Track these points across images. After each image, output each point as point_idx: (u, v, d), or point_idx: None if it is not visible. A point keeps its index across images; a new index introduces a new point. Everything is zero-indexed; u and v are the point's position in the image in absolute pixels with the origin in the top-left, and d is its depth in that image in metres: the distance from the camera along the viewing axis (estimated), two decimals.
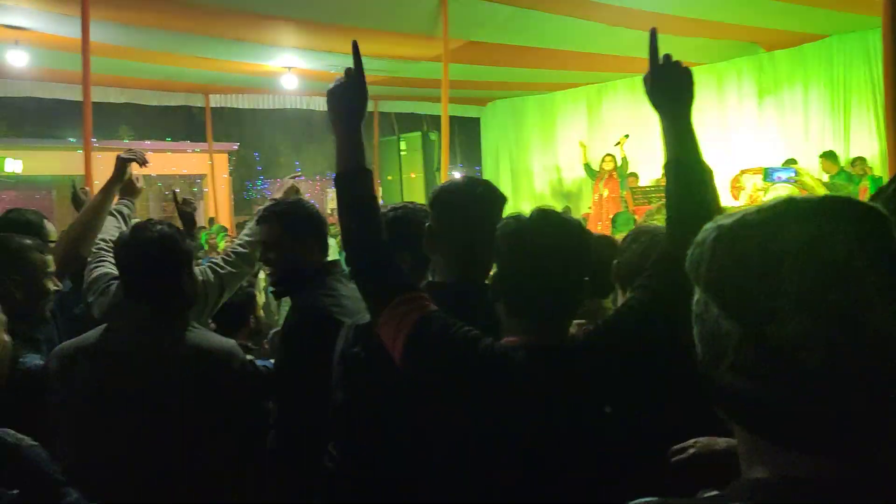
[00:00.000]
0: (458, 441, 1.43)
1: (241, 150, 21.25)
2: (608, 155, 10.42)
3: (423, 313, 1.41)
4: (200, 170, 15.90)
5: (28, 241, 2.26)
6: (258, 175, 25.40)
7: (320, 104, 12.12)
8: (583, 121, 12.37)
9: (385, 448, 1.63)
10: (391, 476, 1.62)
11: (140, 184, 3.08)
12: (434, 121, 15.37)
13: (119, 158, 2.89)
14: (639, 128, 11.43)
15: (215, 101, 11.79)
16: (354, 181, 1.60)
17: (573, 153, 12.45)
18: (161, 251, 2.01)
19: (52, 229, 2.87)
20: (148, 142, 18.68)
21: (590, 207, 10.84)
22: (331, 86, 1.63)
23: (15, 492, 0.97)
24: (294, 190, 2.98)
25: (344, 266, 2.46)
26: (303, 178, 26.66)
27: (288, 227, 2.40)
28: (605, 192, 10.22)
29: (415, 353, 1.40)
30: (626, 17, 7.45)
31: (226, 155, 18.29)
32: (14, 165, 11.16)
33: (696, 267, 0.73)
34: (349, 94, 1.62)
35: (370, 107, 9.80)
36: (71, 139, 15.69)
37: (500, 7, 7.20)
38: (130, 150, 2.99)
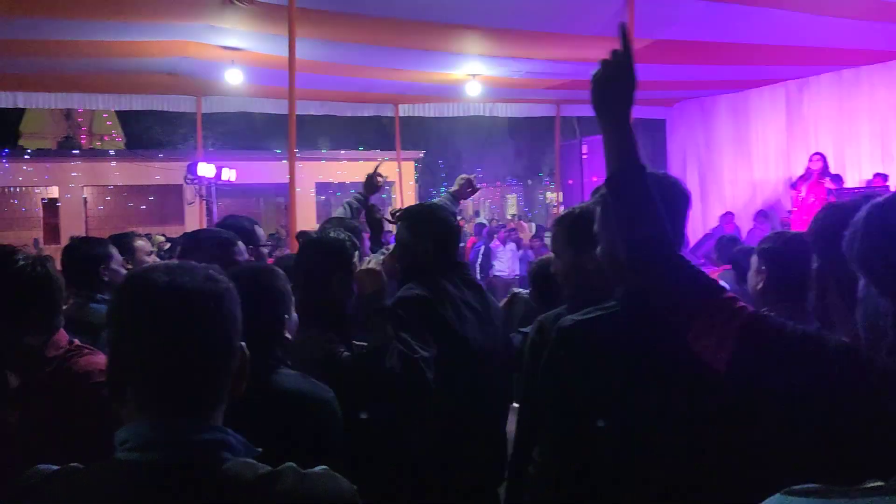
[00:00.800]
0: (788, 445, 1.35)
1: (426, 158, 22.02)
2: (816, 154, 9.56)
3: (745, 318, 1.30)
4: (389, 177, 16.60)
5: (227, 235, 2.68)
6: (442, 182, 26.18)
7: (502, 110, 12.28)
8: (781, 120, 11.54)
9: (599, 455, 1.59)
10: (607, 484, 1.58)
11: (380, 180, 3.51)
12: None
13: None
14: (845, 126, 10.50)
15: (403, 110, 12.28)
16: (631, 180, 1.42)
17: (769, 154, 11.67)
18: (322, 253, 2.36)
19: (262, 233, 3.23)
20: (343, 151, 19.91)
21: (789, 211, 10.11)
22: (594, 71, 1.47)
23: (259, 450, 1.10)
24: (467, 183, 3.40)
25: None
26: (483, 184, 27.07)
27: (410, 227, 2.59)
28: (812, 200, 9.21)
29: (750, 360, 1.28)
30: (834, 3, 6.88)
31: (412, 163, 19.03)
32: (229, 175, 12.28)
33: (850, 245, 0.74)
34: (617, 80, 1.45)
35: (552, 111, 9.71)
36: (277, 150, 17.07)
37: (690, 2, 6.91)
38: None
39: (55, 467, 1.10)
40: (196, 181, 12.09)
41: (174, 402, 1.06)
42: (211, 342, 1.07)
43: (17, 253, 1.92)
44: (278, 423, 1.14)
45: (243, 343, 1.13)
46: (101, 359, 1.90)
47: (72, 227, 15.44)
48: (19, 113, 21.12)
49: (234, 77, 8.71)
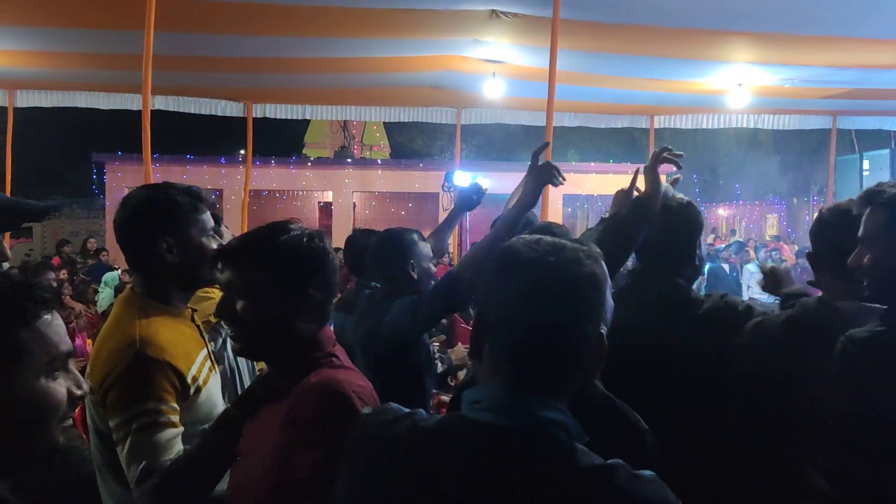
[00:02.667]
0: None
1: (679, 172, 21.14)
2: None
3: None
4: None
5: (413, 235, 2.72)
6: (695, 197, 24.92)
7: (768, 122, 11.41)
8: None
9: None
10: None
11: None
12: None
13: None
14: None
15: (659, 122, 11.91)
16: None
17: None
18: None
19: (535, 219, 3.25)
20: (592, 163, 19.79)
21: None
22: None
23: (587, 438, 1.12)
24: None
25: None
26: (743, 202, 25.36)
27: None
28: None
29: None
30: None
31: (664, 176, 18.35)
32: (483, 183, 12.76)
33: None
34: None
35: (826, 123, 8.77)
36: (528, 161, 17.45)
37: None
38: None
39: (406, 409, 1.20)
40: (452, 189, 12.72)
41: (525, 375, 1.11)
42: (564, 324, 1.10)
43: (290, 223, 1.66)
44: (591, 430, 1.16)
45: (603, 330, 1.14)
46: (340, 375, 1.57)
47: (342, 229, 16.96)
48: (305, 125, 23.76)
49: (493, 89, 8.99)
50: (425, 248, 2.77)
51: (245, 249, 1.62)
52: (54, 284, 6.41)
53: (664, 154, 2.37)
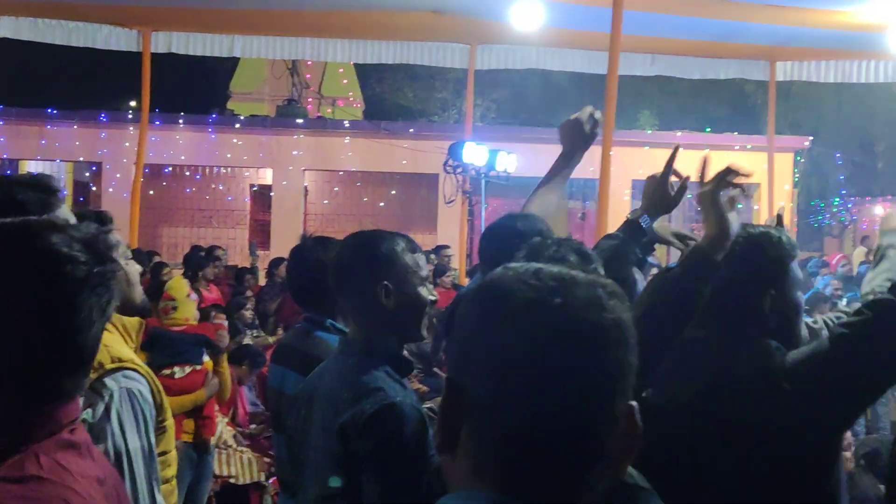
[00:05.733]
0: None
1: (814, 148, 21.13)
2: None
3: None
4: (754, 176, 16.22)
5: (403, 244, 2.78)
6: (838, 188, 24.89)
7: None
8: None
9: None
10: None
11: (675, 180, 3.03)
12: None
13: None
14: None
15: (783, 71, 11.93)
16: None
17: None
18: None
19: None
20: (678, 133, 19.79)
21: None
22: None
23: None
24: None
25: None
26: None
27: None
28: None
29: None
30: None
31: (791, 155, 18.32)
32: (506, 162, 12.76)
33: None
34: None
35: None
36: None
37: None
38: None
39: None
40: (460, 170, 12.68)
41: (520, 480, 1.10)
42: (579, 399, 1.09)
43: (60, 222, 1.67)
44: None
45: (634, 403, 1.13)
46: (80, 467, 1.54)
47: (286, 229, 16.70)
48: (233, 65, 23.74)
49: (526, 16, 9.00)
50: (415, 261, 2.76)
51: None
52: None
53: (728, 178, 2.34)
